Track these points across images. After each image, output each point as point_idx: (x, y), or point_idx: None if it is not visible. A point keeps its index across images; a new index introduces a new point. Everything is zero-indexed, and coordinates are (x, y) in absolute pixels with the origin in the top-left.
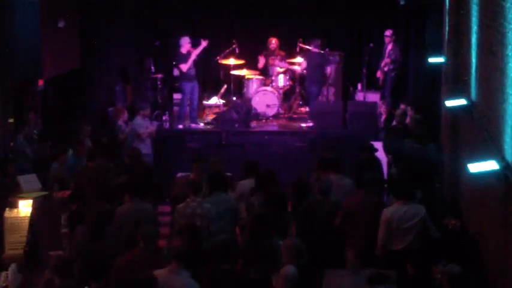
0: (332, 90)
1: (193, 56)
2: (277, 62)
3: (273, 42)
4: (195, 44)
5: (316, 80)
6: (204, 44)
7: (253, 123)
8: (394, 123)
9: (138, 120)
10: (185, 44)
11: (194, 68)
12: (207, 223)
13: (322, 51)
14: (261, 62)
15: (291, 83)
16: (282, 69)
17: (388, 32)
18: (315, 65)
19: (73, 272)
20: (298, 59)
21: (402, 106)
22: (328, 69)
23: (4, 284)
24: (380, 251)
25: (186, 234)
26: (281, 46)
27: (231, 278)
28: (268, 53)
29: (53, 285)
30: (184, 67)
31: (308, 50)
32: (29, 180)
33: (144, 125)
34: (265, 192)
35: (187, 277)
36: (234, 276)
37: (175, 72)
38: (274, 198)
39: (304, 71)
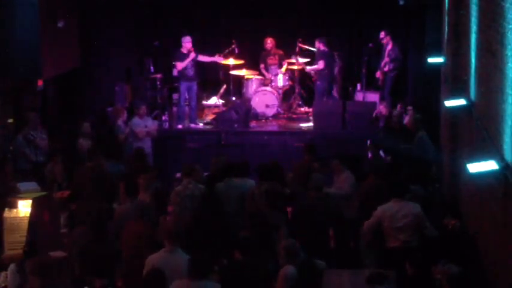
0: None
1: (190, 57)
2: (275, 64)
3: (269, 42)
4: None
5: (329, 77)
6: (192, 55)
7: (253, 123)
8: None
9: (136, 119)
10: (186, 43)
11: (193, 69)
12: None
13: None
14: (262, 66)
15: (290, 82)
16: (281, 68)
17: (381, 35)
18: (330, 62)
19: (48, 272)
20: (298, 59)
21: (399, 106)
22: (336, 69)
23: (3, 284)
24: (365, 247)
25: (176, 215)
26: (278, 45)
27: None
28: (266, 53)
29: None
30: (180, 65)
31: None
32: (28, 186)
33: (142, 124)
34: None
35: (183, 253)
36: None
37: (175, 72)
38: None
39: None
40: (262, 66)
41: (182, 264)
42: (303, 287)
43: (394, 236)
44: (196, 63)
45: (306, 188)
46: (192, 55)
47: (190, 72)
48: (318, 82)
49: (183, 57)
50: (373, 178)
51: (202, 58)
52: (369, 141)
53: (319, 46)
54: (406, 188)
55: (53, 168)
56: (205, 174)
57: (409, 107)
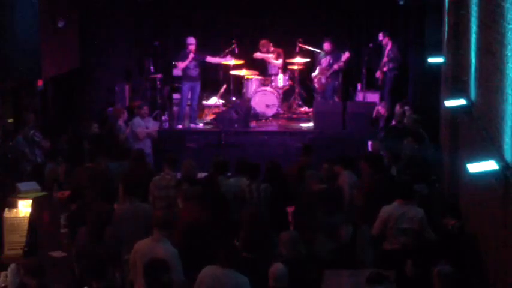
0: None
1: (190, 57)
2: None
3: (261, 44)
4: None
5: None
6: (191, 56)
7: (253, 123)
8: (393, 122)
9: (137, 119)
10: (190, 44)
11: (196, 69)
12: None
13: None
14: (257, 54)
15: (290, 82)
16: (278, 62)
17: (380, 36)
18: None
19: (44, 272)
20: (298, 59)
21: (398, 106)
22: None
23: (3, 284)
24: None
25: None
26: (277, 45)
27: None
28: (264, 52)
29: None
30: (181, 65)
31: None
32: (28, 186)
33: (143, 125)
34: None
35: (168, 244)
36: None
37: (175, 72)
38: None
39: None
40: (257, 53)
41: (165, 255)
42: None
43: (395, 238)
44: (200, 64)
45: (303, 187)
46: (192, 55)
47: (194, 72)
48: (336, 82)
49: (184, 57)
50: (368, 169)
51: (211, 59)
52: (369, 142)
53: (332, 46)
54: (412, 191)
55: (56, 168)
56: (205, 174)
57: (407, 107)
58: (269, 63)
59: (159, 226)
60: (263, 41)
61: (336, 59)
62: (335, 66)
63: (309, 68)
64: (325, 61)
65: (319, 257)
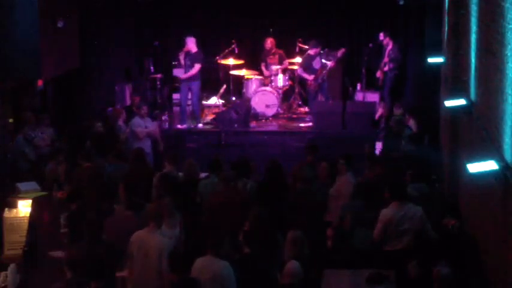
0: None
1: (179, 56)
2: (275, 63)
3: (269, 42)
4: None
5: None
6: (179, 55)
7: (253, 123)
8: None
9: (136, 119)
10: (187, 43)
11: (189, 69)
12: None
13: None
14: (263, 65)
15: (290, 82)
16: (280, 66)
17: (381, 36)
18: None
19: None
20: (298, 59)
21: (397, 106)
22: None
23: (3, 285)
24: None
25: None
26: (278, 45)
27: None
28: (265, 53)
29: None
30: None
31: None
32: (28, 186)
33: (142, 124)
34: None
35: (161, 235)
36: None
37: (175, 72)
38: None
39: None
40: (263, 65)
41: (159, 243)
42: (306, 283)
43: (396, 239)
44: (194, 64)
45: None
46: (180, 54)
47: (187, 72)
48: (326, 82)
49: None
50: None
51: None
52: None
53: (318, 48)
54: (406, 191)
55: (56, 168)
56: (205, 174)
57: (402, 108)
58: (270, 63)
59: (152, 218)
60: (270, 39)
61: (326, 57)
62: (331, 64)
63: None
64: (316, 63)
65: (360, 249)
